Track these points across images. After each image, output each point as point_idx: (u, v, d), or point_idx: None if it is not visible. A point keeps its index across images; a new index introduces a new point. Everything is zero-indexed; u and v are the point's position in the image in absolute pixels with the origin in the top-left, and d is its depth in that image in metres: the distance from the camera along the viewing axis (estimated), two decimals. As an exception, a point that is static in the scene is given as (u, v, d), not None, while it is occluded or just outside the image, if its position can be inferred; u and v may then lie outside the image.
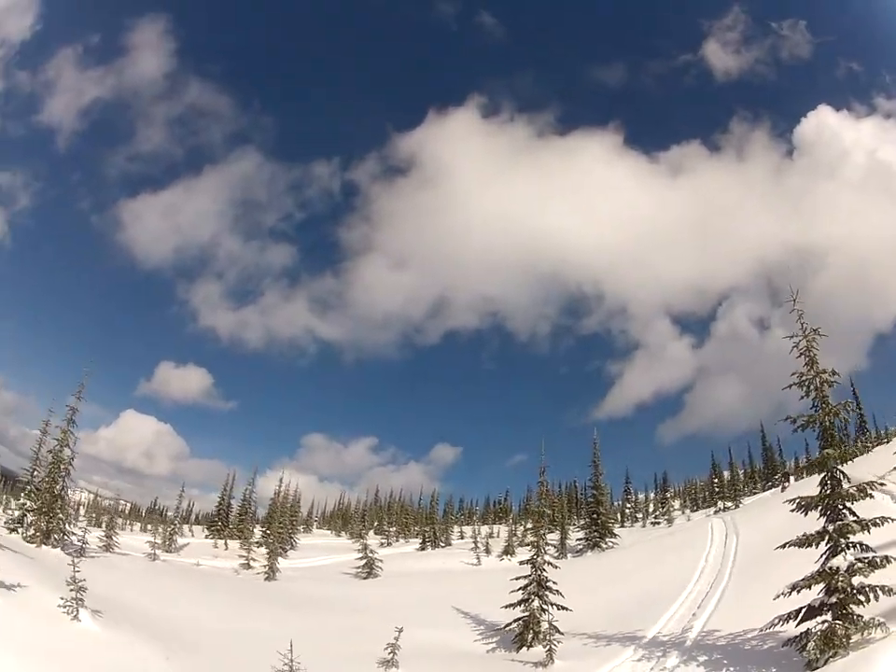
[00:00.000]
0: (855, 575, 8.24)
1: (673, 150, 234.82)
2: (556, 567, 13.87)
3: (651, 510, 58.00)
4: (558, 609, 12.74)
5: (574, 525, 39.88)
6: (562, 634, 12.38)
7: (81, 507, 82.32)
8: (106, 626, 8.82)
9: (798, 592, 8.63)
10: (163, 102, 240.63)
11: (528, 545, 15.36)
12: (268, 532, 37.33)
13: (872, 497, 8.92)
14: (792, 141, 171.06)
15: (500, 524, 59.03)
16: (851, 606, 8.16)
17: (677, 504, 57.27)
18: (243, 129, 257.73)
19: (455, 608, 16.56)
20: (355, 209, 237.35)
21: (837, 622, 7.86)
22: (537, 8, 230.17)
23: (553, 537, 35.82)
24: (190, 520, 68.37)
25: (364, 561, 28.15)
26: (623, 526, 45.97)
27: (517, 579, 13.61)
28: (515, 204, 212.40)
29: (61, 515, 17.96)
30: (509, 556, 32.50)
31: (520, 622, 12.81)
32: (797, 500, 9.18)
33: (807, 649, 7.89)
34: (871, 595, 8.11)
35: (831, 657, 7.72)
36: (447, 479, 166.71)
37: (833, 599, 8.23)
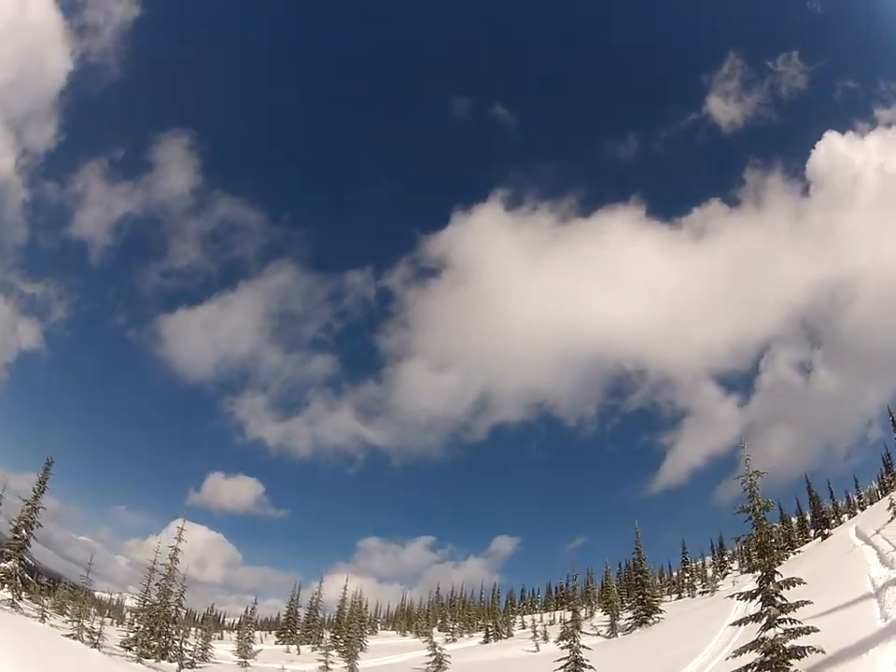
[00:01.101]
0: (786, 641, 12.77)
1: (694, 213, 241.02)
2: (589, 649, 18.54)
3: (709, 574, 60.94)
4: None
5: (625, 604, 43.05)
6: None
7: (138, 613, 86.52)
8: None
9: (742, 654, 13.21)
10: (194, 217, 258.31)
11: (567, 636, 19.93)
12: (338, 636, 41.88)
13: (795, 585, 13.58)
14: (806, 177, 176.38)
15: (563, 609, 62.07)
16: (788, 662, 12.68)
17: (736, 565, 61.19)
18: (275, 242, 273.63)
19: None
20: (391, 315, 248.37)
21: (769, 672, 12.39)
22: (543, 93, 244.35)
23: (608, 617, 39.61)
24: (247, 624, 72.75)
25: (433, 657, 32.41)
26: (680, 597, 48.80)
27: (559, 660, 18.25)
28: (548, 292, 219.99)
29: (175, 635, 22.97)
30: (559, 642, 36.28)
31: (563, 693, 17.43)
32: (739, 595, 13.99)
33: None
34: (801, 654, 12.57)
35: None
36: (507, 570, 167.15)
37: (767, 658, 12.75)
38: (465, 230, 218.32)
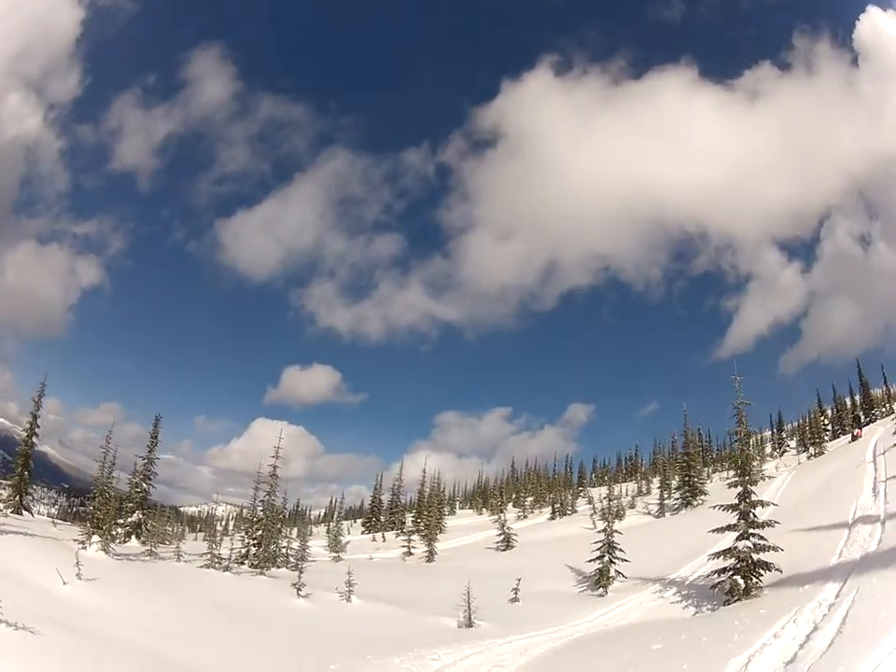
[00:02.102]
0: (755, 553, 16.47)
1: (746, 76, 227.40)
2: (621, 534, 23.03)
3: (767, 451, 64.65)
4: (622, 562, 21.95)
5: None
6: (626, 578, 21.63)
7: (230, 521, 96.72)
8: (367, 602, 18.88)
9: (719, 557, 17.03)
10: (238, 122, 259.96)
11: (607, 517, 24.36)
12: (418, 520, 48.54)
13: (765, 506, 17.20)
14: (854, 48, 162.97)
15: (631, 480, 67.38)
16: (757, 571, 16.38)
17: (793, 443, 64.08)
18: (325, 131, 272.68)
19: (567, 565, 25.88)
20: (451, 189, 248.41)
21: (740, 577, 16.11)
22: None
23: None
24: (336, 516, 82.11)
25: (502, 536, 38.09)
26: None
27: (595, 542, 22.85)
28: (605, 155, 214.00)
29: (283, 542, 28.41)
30: (618, 520, 41.36)
31: (596, 571, 22.08)
32: (719, 506, 17.78)
33: (726, 590, 16.33)
34: (764, 568, 16.10)
35: (734, 599, 15.98)
36: (583, 438, 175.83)
37: (739, 565, 16.38)
38: (516, 98, 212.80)
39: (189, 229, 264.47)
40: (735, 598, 15.57)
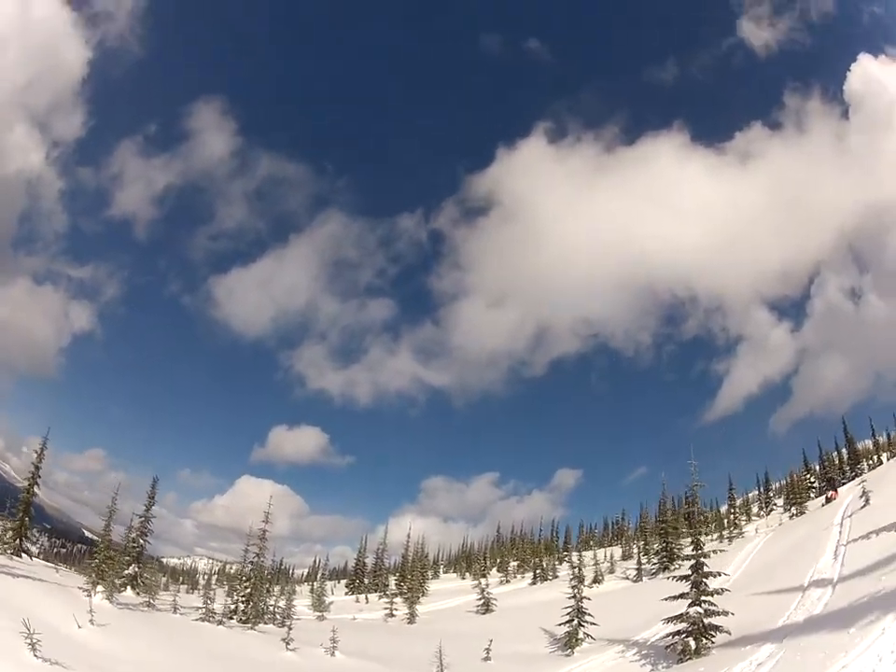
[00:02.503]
0: (707, 618, 18.42)
1: (737, 138, 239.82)
2: (589, 599, 24.76)
3: (754, 511, 66.52)
4: (590, 625, 23.66)
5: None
6: (594, 639, 23.32)
7: (213, 576, 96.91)
8: (349, 658, 20.49)
9: (672, 622, 18.88)
10: (237, 179, 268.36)
11: (575, 580, 26.06)
12: (402, 583, 49.65)
13: (717, 576, 19.20)
14: (844, 99, 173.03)
15: (617, 545, 68.75)
16: (709, 633, 18.31)
17: (781, 501, 65.28)
18: (321, 192, 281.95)
19: (541, 627, 27.42)
20: (443, 256, 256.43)
21: (692, 639, 18.04)
22: (574, 24, 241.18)
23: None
24: (321, 576, 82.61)
25: (482, 601, 39.43)
26: (722, 537, 54.20)
27: (566, 607, 24.53)
28: (597, 222, 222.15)
29: (269, 599, 29.94)
30: (597, 584, 42.80)
31: (566, 633, 23.74)
32: (674, 577, 19.79)
33: (679, 650, 18.22)
34: (715, 630, 18.12)
35: (686, 658, 17.88)
36: (571, 503, 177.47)
37: (691, 629, 18.35)
38: (510, 165, 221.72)
39: (183, 281, 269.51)
40: (687, 657, 17.39)
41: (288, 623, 20.73)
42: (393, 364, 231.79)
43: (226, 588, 44.45)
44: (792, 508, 53.67)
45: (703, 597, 18.24)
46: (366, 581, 59.24)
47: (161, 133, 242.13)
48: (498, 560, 71.41)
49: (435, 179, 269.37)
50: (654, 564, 44.69)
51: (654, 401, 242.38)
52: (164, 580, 60.50)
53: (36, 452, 29.24)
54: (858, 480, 48.22)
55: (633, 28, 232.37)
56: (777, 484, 72.88)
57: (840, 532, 29.89)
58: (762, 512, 65.53)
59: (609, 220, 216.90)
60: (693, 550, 19.56)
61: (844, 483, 53.43)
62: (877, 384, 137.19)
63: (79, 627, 14.06)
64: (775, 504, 66.76)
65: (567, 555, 66.32)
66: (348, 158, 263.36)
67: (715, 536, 53.44)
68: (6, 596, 15.30)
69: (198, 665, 15.47)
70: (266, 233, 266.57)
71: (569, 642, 23.30)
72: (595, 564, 46.38)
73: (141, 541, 26.39)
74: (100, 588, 20.14)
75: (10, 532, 26.80)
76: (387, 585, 53.95)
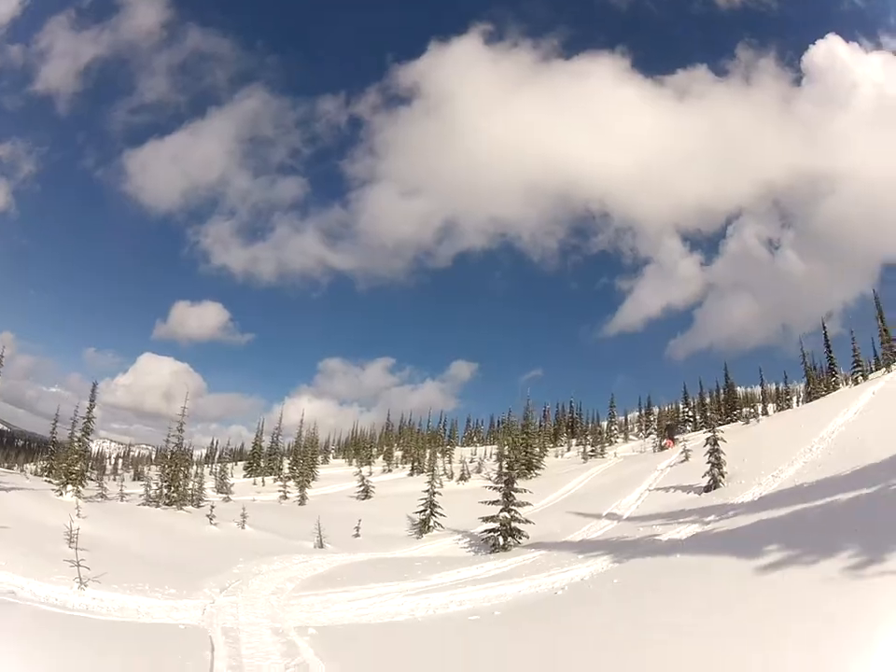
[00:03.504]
0: (513, 521, 27.12)
1: (679, 74, 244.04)
2: (441, 495, 33.73)
3: (632, 430, 77.61)
4: (440, 516, 32.74)
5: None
6: (442, 528, 32.37)
7: (118, 459, 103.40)
8: (255, 530, 28.63)
9: (488, 520, 27.62)
10: (163, 51, 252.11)
11: (431, 478, 34.92)
12: (294, 466, 58.48)
13: (523, 492, 27.91)
14: (801, 69, 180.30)
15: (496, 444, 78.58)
16: (511, 532, 27.11)
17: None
18: (248, 69, 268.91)
19: (406, 514, 36.20)
20: (360, 141, 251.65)
21: (501, 536, 26.77)
22: None
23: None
24: (219, 457, 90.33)
25: (362, 488, 48.51)
26: (595, 448, 63.98)
27: (421, 499, 33.46)
28: (522, 128, 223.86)
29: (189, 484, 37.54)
30: (463, 482, 52.82)
31: (420, 521, 32.76)
32: (491, 487, 28.56)
33: (490, 543, 27.02)
34: (517, 533, 26.66)
35: (496, 549, 26.63)
36: (464, 396, 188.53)
37: (501, 528, 26.93)
38: (440, 60, 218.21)
39: (99, 155, 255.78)
40: (496, 549, 26.22)
41: (210, 504, 28.62)
42: (299, 244, 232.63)
43: (131, 471, 51.53)
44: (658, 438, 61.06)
45: (511, 507, 26.89)
46: (262, 464, 67.83)
47: (94, 5, 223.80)
48: (385, 448, 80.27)
49: (362, 65, 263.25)
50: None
51: (555, 307, 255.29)
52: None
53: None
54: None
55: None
56: (657, 409, 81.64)
57: (655, 478, 36.78)
58: (641, 434, 75.92)
59: (532, 128, 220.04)
60: (507, 468, 28.09)
61: (681, 433, 59.06)
62: (783, 335, 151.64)
63: (72, 522, 20.95)
64: (654, 428, 74.31)
65: (450, 449, 76.82)
66: (280, 36, 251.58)
67: (579, 451, 64.10)
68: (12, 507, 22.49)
69: (155, 540, 22.96)
70: (186, 107, 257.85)
71: (422, 528, 32.25)
72: (463, 462, 56.44)
73: (85, 440, 32.81)
74: (69, 488, 27.38)
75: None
76: (282, 469, 62.63)
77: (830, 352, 56.22)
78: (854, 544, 9.98)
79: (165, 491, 32.58)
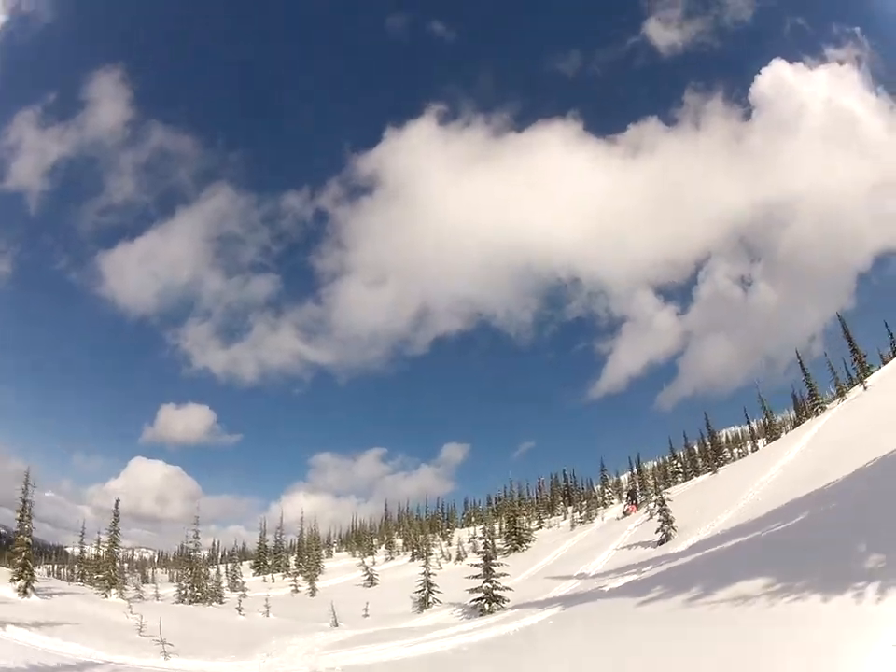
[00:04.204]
0: (494, 590, 32.79)
1: (631, 130, 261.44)
2: (435, 575, 39.19)
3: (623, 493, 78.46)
4: (437, 593, 38.16)
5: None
6: (441, 602, 37.77)
7: (124, 563, 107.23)
8: (278, 617, 34.03)
9: (475, 591, 33.27)
10: (128, 150, 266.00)
11: (423, 557, 40.40)
12: (300, 562, 63.54)
13: (501, 565, 33.62)
14: (749, 101, 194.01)
15: (497, 521, 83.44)
16: (494, 598, 32.77)
17: (653, 482, 76.16)
18: (211, 166, 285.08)
19: (409, 596, 41.39)
20: (327, 234, 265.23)
21: (486, 602, 32.41)
22: (485, 10, 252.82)
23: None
24: (221, 558, 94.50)
25: (367, 576, 53.69)
26: (583, 516, 68.87)
27: (419, 581, 38.92)
28: (481, 205, 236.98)
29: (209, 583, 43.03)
30: (460, 561, 57.94)
31: (420, 599, 38.15)
32: (473, 564, 34.28)
33: (478, 609, 32.63)
34: (500, 598, 32.40)
35: (486, 612, 32.30)
36: (459, 478, 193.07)
37: (485, 596, 32.67)
38: (396, 145, 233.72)
39: (71, 257, 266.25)
40: (483, 613, 31.69)
41: (237, 599, 34.16)
42: (276, 342, 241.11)
43: (138, 574, 56.70)
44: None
45: (491, 578, 32.45)
46: (268, 561, 72.67)
47: (59, 102, 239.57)
48: (386, 538, 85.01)
49: (322, 157, 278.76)
50: (506, 545, 59.79)
51: (538, 379, 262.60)
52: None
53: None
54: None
55: (539, 15, 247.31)
56: (650, 465, 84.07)
57: (624, 538, 41.98)
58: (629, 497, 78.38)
59: (493, 203, 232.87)
60: (484, 549, 33.78)
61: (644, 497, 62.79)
62: (768, 367, 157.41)
63: (131, 615, 26.43)
64: (644, 488, 74.96)
65: (450, 532, 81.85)
66: (239, 132, 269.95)
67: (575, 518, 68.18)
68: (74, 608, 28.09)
69: (198, 627, 28.53)
70: (153, 207, 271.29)
71: (422, 605, 37.62)
72: (460, 544, 61.63)
73: (113, 550, 38.21)
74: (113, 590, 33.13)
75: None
76: (288, 565, 67.61)
77: (808, 378, 57.65)
78: (709, 580, 15.58)
79: (189, 591, 38.10)
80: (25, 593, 27.74)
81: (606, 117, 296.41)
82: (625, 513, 56.02)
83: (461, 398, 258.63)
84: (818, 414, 51.80)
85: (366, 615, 35.87)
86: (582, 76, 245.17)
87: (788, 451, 39.41)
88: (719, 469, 58.06)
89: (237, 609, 33.14)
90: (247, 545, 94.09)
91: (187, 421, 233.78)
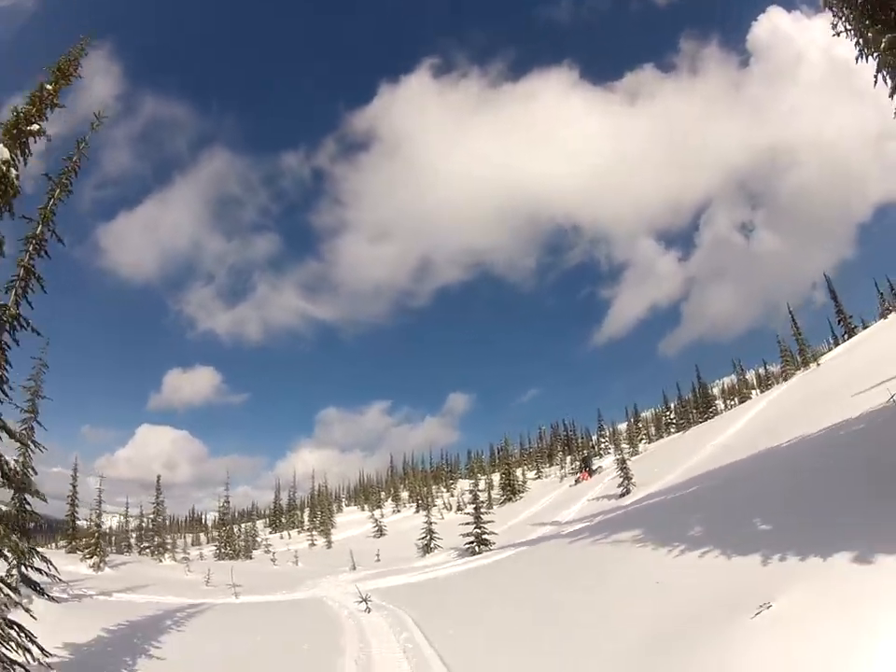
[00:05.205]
0: (483, 535, 41.26)
1: (628, 77, 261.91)
2: (436, 524, 47.76)
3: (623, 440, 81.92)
4: (438, 539, 46.77)
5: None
6: (442, 547, 46.48)
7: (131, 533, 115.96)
8: (305, 565, 42.69)
9: (467, 536, 41.79)
10: (122, 122, 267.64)
11: (425, 508, 48.89)
12: (314, 517, 72.54)
13: (488, 511, 41.96)
14: (746, 49, 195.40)
15: (496, 472, 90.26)
16: (483, 542, 41.27)
17: (654, 429, 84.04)
18: (207, 131, 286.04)
19: (414, 543, 49.81)
20: (325, 192, 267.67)
21: (476, 545, 40.80)
22: None
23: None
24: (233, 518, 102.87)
25: (376, 528, 62.56)
26: (574, 467, 77.95)
27: (421, 529, 47.49)
28: (480, 155, 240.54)
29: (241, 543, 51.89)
30: (460, 511, 66.54)
31: (424, 545, 46.72)
32: (464, 512, 42.71)
33: (470, 551, 41.06)
34: (488, 543, 41.24)
35: (475, 553, 40.81)
36: (464, 427, 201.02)
37: (475, 540, 41.02)
38: (391, 100, 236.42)
39: (71, 233, 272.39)
40: (474, 554, 39.98)
41: (272, 551, 42.74)
42: (280, 300, 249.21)
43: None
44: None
45: (480, 525, 40.69)
46: (283, 519, 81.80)
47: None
48: (392, 491, 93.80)
49: (318, 116, 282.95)
50: (502, 495, 68.46)
51: (541, 326, 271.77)
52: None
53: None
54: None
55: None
56: (648, 414, 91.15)
57: (598, 490, 48.91)
58: (634, 440, 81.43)
59: (491, 153, 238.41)
60: (511, 493, 42.13)
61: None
62: (766, 314, 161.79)
63: (189, 574, 34.48)
64: (644, 434, 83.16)
65: (453, 484, 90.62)
66: (233, 96, 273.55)
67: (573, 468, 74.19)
68: (141, 571, 36.40)
69: (245, 577, 36.68)
70: (151, 176, 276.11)
71: (425, 550, 46.10)
72: (462, 495, 70.41)
73: (158, 522, 46.85)
74: (166, 555, 41.52)
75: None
76: (303, 521, 76.65)
77: (798, 333, 61.96)
78: (615, 529, 23.49)
79: (222, 549, 46.78)
80: (99, 567, 33.55)
81: (601, 64, 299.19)
82: (577, 481, 60.70)
83: (465, 347, 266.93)
84: (786, 380, 57.72)
85: (378, 560, 44.31)
86: (576, 23, 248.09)
87: (742, 417, 46.54)
88: (691, 427, 65.32)
89: (271, 560, 41.57)
90: (257, 504, 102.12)
91: (193, 383, 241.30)
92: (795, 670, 6.77)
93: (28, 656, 9.51)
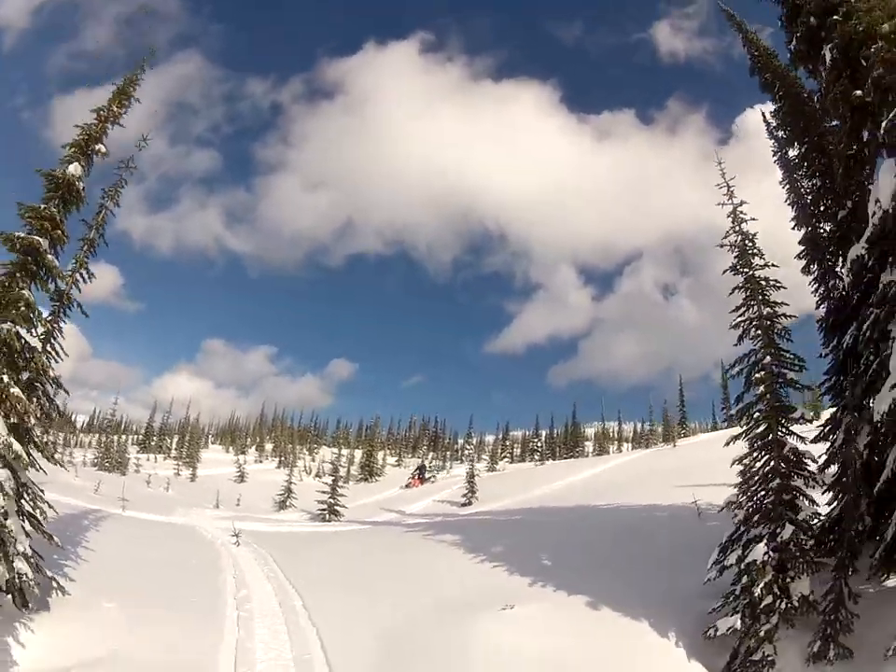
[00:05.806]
0: (335, 506, 48.39)
1: (605, 115, 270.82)
2: (295, 485, 54.59)
3: (486, 453, 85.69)
4: (294, 499, 53.64)
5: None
6: (295, 507, 53.38)
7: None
8: (174, 493, 48.81)
9: (321, 503, 49.01)
10: (113, 1, 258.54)
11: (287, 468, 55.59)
12: (181, 447, 77.92)
13: (344, 487, 49.28)
14: (732, 130, 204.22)
15: (361, 448, 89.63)
16: (334, 511, 48.57)
17: (519, 450, 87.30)
18: (190, 32, 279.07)
19: (272, 497, 56.46)
20: (277, 127, 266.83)
21: (328, 513, 48.09)
22: None
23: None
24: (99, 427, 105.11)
25: (239, 473, 68.63)
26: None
27: (282, 487, 54.20)
28: (437, 140, 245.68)
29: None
30: (318, 478, 73.14)
31: (281, 500, 53.46)
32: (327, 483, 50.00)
33: (321, 517, 48.25)
34: (340, 512, 48.49)
35: (325, 521, 48.05)
36: (340, 394, 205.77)
37: (328, 508, 48.44)
38: (373, 61, 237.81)
39: (30, 97, 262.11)
40: (324, 520, 46.94)
41: (147, 473, 48.60)
42: (200, 219, 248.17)
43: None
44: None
45: (336, 496, 47.51)
46: (152, 441, 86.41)
47: None
48: (258, 439, 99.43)
49: (295, 53, 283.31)
50: (360, 474, 74.97)
51: (444, 319, 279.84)
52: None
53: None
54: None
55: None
56: (518, 433, 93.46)
57: (447, 493, 56.68)
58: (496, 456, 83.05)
59: (446, 141, 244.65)
60: (369, 474, 49.12)
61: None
62: (666, 375, 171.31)
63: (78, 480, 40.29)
64: (508, 453, 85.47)
65: (317, 448, 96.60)
66: (226, 5, 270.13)
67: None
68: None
69: (129, 493, 42.71)
70: (123, 61, 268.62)
71: (281, 506, 52.76)
72: (323, 463, 77.26)
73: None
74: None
75: None
76: (170, 449, 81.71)
77: (683, 406, 69.13)
78: (440, 531, 31.20)
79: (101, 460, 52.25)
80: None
81: (586, 95, 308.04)
82: (407, 486, 63.16)
83: (362, 318, 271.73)
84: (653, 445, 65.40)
85: (238, 504, 50.71)
86: (577, 49, 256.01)
87: (592, 468, 52.26)
88: (553, 460, 71.71)
89: (146, 482, 47.47)
90: (129, 417, 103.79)
91: (94, 279, 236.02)
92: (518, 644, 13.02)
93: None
